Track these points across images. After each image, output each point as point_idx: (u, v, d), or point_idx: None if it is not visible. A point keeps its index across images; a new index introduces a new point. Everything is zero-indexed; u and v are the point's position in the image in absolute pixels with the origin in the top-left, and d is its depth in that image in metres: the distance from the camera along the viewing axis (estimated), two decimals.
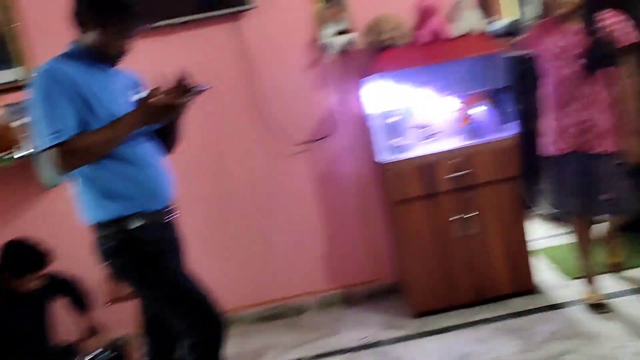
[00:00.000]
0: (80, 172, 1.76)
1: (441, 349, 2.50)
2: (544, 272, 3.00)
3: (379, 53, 2.76)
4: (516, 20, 4.18)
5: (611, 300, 2.61)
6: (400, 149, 2.81)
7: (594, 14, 2.41)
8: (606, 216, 2.63)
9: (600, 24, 2.38)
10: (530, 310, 2.68)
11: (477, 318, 2.70)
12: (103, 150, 1.72)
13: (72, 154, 1.67)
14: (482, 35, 2.76)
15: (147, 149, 1.86)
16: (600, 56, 2.37)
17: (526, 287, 2.82)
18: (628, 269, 2.89)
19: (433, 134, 2.89)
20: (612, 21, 2.39)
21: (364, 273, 3.16)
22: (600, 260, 2.96)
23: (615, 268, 2.89)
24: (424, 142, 2.87)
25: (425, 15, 2.70)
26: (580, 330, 2.41)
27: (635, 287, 2.71)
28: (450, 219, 2.72)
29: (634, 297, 2.62)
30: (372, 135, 2.96)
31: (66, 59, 1.77)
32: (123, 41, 1.78)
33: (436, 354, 2.46)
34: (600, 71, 2.40)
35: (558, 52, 2.46)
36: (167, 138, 1.98)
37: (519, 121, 2.79)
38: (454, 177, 2.68)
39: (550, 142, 2.57)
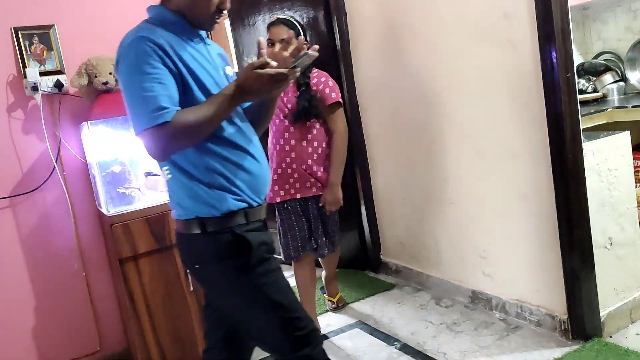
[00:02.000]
0: (175, 158, 1.49)
1: None
2: None
3: (97, 97, 2.52)
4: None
5: (334, 337, 2.78)
6: (125, 200, 2.57)
7: (307, 72, 2.63)
8: (325, 254, 2.81)
9: (312, 81, 2.62)
10: (264, 358, 2.67)
11: None
12: (205, 130, 1.43)
13: (172, 136, 1.38)
14: None
15: (247, 131, 1.59)
16: (304, 109, 2.56)
17: None
18: (349, 304, 3.15)
19: (160, 184, 2.74)
20: (322, 80, 2.64)
21: (84, 345, 2.77)
22: (322, 299, 3.18)
23: (337, 305, 3.10)
24: (151, 192, 2.69)
25: None
26: None
27: (355, 320, 2.94)
28: (182, 273, 2.58)
29: (354, 330, 2.83)
30: (94, 185, 2.68)
31: (152, 26, 1.47)
32: None
33: None
34: (304, 123, 2.61)
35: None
36: (257, 118, 1.69)
37: None
38: None
39: (273, 189, 2.69)
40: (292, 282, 3.61)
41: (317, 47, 1.51)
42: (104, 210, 2.54)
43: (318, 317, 2.93)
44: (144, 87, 1.38)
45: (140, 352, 2.53)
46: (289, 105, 2.62)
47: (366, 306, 3.10)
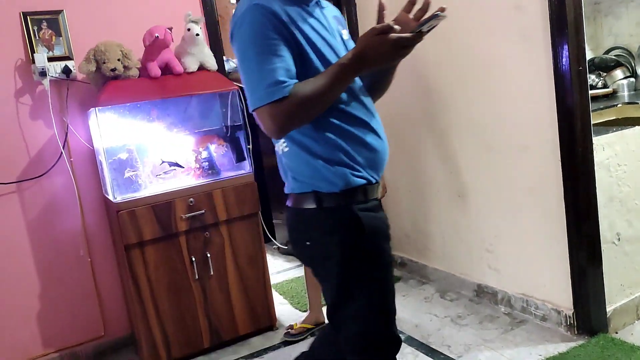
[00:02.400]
0: (293, 133, 1.39)
1: None
2: (277, 307, 3.05)
3: (105, 83, 2.52)
4: None
5: None
6: (132, 187, 2.58)
7: None
8: None
9: None
10: (269, 348, 2.68)
11: None
12: (324, 104, 1.32)
13: (290, 112, 1.28)
14: (216, 73, 2.75)
15: (369, 104, 1.48)
16: None
17: (265, 324, 2.82)
18: None
19: (167, 172, 2.74)
20: None
21: (88, 330, 2.78)
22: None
23: None
24: (157, 180, 2.69)
25: (155, 47, 2.56)
26: None
27: None
28: (188, 261, 2.58)
29: None
30: (100, 172, 2.68)
31: None
32: None
33: None
34: None
35: None
36: (376, 87, 1.58)
37: (253, 158, 2.83)
38: (190, 216, 2.56)
39: None
40: (297, 272, 3.62)
41: (445, 7, 1.31)
42: (110, 197, 2.54)
43: (323, 309, 2.92)
44: (259, 60, 1.28)
45: (145, 338, 2.54)
46: None
47: None
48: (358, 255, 1.40)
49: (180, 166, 2.70)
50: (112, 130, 2.57)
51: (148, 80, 2.58)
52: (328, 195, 1.40)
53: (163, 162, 2.68)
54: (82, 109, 2.70)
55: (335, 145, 1.38)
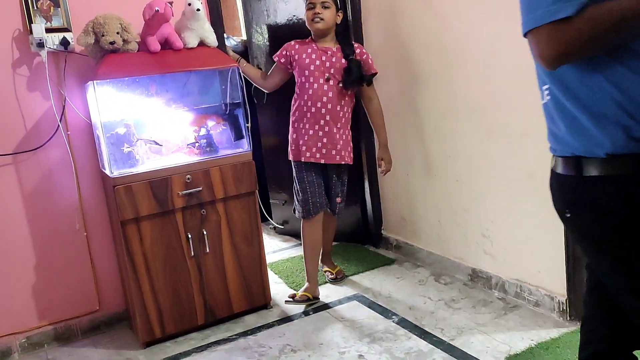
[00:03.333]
0: (562, 74, 1.13)
1: None
2: (272, 286, 3.07)
3: (103, 57, 2.49)
4: (244, 41, 4.32)
5: (333, 308, 2.80)
6: (129, 162, 2.56)
7: (349, 41, 2.84)
8: (337, 211, 2.95)
9: (356, 51, 2.76)
10: (263, 326, 2.70)
11: (210, 340, 2.60)
12: (625, 30, 1.01)
13: (575, 37, 1.01)
14: (216, 49, 2.72)
15: None
16: (355, 77, 2.71)
17: (260, 302, 2.83)
18: (348, 276, 3.15)
19: (165, 148, 2.72)
20: (364, 51, 2.82)
21: (83, 304, 2.78)
22: (322, 271, 3.19)
23: (336, 277, 3.11)
24: (155, 156, 2.68)
25: (155, 21, 2.53)
26: (310, 340, 2.50)
27: (354, 293, 2.95)
28: (184, 238, 2.58)
29: (352, 303, 2.84)
30: (98, 146, 2.66)
31: None
32: None
33: None
34: (351, 90, 2.77)
35: (314, 65, 2.72)
36: None
37: (251, 137, 2.81)
38: (187, 193, 2.55)
39: (298, 151, 2.80)
40: (293, 252, 3.63)
41: None
42: (107, 172, 2.52)
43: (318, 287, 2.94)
44: None
45: (139, 313, 2.54)
46: (332, 70, 2.72)
47: (365, 280, 3.11)
48: (632, 237, 1.13)
49: (158, 144, 2.67)
50: (110, 104, 2.55)
51: (147, 55, 2.55)
52: (590, 160, 1.13)
53: (138, 139, 2.65)
54: (80, 81, 2.67)
55: (611, 96, 1.08)
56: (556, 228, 2.36)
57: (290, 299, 2.81)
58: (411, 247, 3.34)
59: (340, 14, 2.79)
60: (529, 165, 2.44)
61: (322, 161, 2.77)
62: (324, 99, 2.72)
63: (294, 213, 2.89)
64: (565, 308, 2.39)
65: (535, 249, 2.50)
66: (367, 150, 3.48)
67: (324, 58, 2.73)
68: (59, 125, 2.63)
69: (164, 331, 2.60)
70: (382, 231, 3.59)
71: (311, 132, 2.75)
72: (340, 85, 2.72)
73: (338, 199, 2.90)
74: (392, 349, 2.34)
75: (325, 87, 2.73)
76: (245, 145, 2.77)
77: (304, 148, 2.77)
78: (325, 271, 3.15)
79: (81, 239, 2.76)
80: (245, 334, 2.64)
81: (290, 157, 2.85)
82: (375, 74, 2.84)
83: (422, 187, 3.16)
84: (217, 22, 2.96)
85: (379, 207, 3.57)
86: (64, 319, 2.75)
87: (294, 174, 2.84)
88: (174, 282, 2.60)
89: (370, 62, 2.81)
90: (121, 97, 2.61)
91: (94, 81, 2.43)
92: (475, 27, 2.56)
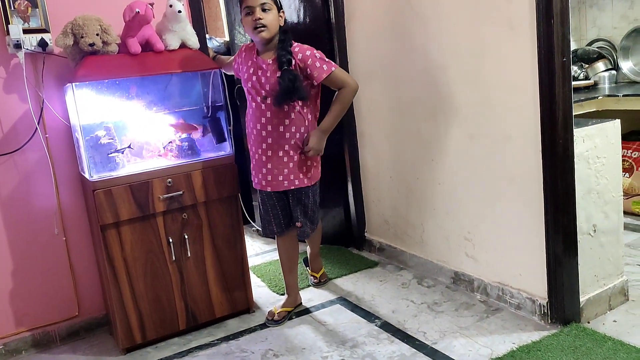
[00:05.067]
0: None
1: None
2: (255, 290, 3.05)
3: (82, 58, 2.45)
4: (226, 42, 4.30)
5: (316, 312, 2.79)
6: (109, 166, 2.52)
7: (287, 46, 2.42)
8: (308, 234, 2.79)
9: (297, 57, 2.41)
10: (245, 330, 2.68)
11: (192, 345, 2.58)
12: None
13: None
14: (197, 51, 2.69)
15: None
16: (288, 91, 2.36)
17: (242, 307, 2.81)
18: (332, 279, 3.15)
19: (146, 151, 2.69)
20: (308, 54, 2.42)
21: (62, 309, 2.74)
22: (305, 274, 3.18)
23: (319, 280, 3.10)
24: (135, 159, 2.64)
25: (135, 23, 2.49)
26: (292, 345, 2.49)
27: (337, 296, 2.94)
28: (165, 242, 2.55)
29: (335, 306, 2.83)
30: (77, 149, 2.62)
31: None
32: None
33: None
34: (289, 105, 2.43)
35: (251, 81, 2.50)
36: None
37: (233, 139, 2.79)
38: (168, 197, 2.52)
39: (252, 172, 2.65)
40: (275, 255, 3.62)
41: None
42: (86, 175, 2.48)
43: (300, 292, 2.92)
44: None
45: (119, 319, 2.51)
46: (267, 87, 2.44)
47: (348, 283, 3.11)
48: None
49: (130, 148, 2.61)
50: (89, 107, 2.51)
51: (127, 57, 2.51)
52: None
53: (130, 143, 2.61)
54: (58, 83, 2.63)
55: None
56: (537, 231, 2.38)
57: (270, 319, 2.71)
58: (394, 249, 3.34)
59: (282, 14, 2.46)
60: (511, 169, 2.46)
61: (269, 189, 2.57)
62: (262, 119, 2.48)
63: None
64: (546, 311, 2.40)
65: (517, 252, 2.52)
66: (350, 153, 3.47)
67: (260, 73, 2.46)
68: (36, 127, 2.59)
69: (144, 337, 2.57)
70: (365, 234, 3.59)
71: (256, 156, 2.56)
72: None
73: (298, 224, 2.66)
74: (375, 353, 2.34)
75: (263, 106, 2.46)
76: (227, 148, 2.75)
77: (253, 173, 2.62)
78: (311, 274, 3.14)
79: (60, 243, 2.71)
80: (227, 338, 2.61)
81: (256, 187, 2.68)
82: (329, 75, 2.41)
83: (405, 190, 3.16)
84: (199, 24, 2.93)
85: (362, 210, 3.57)
86: (42, 325, 2.70)
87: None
88: (155, 287, 2.57)
89: (317, 65, 2.40)
90: (101, 99, 2.57)
91: (73, 83, 2.39)
92: (459, 30, 2.57)
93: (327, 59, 2.47)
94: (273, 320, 2.70)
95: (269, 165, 2.54)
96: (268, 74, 2.45)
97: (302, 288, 3.04)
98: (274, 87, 2.41)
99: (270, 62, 2.44)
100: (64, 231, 2.71)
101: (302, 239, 2.77)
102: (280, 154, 2.50)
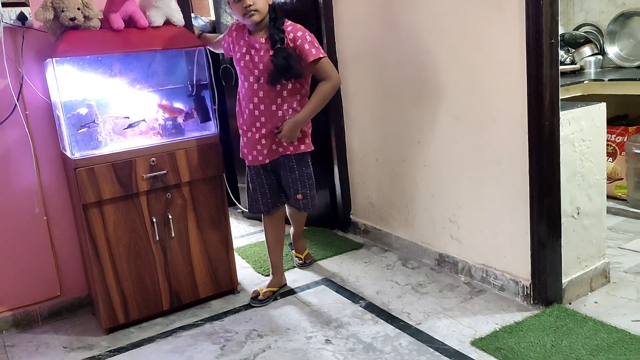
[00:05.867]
0: None
1: None
2: (239, 271, 3.03)
3: (63, 33, 2.39)
4: (212, 21, 4.23)
5: (300, 293, 2.79)
6: (91, 144, 2.48)
7: (280, 25, 2.41)
8: (295, 213, 2.79)
9: (288, 36, 2.40)
10: (229, 311, 2.67)
11: (175, 326, 2.56)
12: None
13: None
14: (182, 28, 2.64)
15: None
16: (281, 71, 2.36)
17: (227, 287, 2.80)
18: (317, 261, 3.14)
19: (129, 129, 2.64)
20: (299, 35, 2.40)
21: (43, 289, 2.70)
22: (290, 255, 3.17)
23: (304, 261, 3.10)
24: (119, 137, 2.60)
25: None
26: (277, 325, 2.49)
27: (322, 277, 2.94)
28: (148, 222, 2.52)
29: (319, 287, 2.83)
30: (58, 127, 2.57)
31: None
32: None
33: None
34: (281, 84, 2.42)
35: (244, 61, 2.48)
36: None
37: (218, 119, 2.76)
38: (152, 176, 2.49)
39: (243, 150, 2.63)
40: (260, 237, 3.60)
41: None
42: (68, 154, 2.44)
43: (285, 273, 2.92)
44: None
45: (102, 299, 2.48)
46: (260, 66, 2.42)
47: (333, 264, 3.11)
48: None
49: (95, 123, 2.52)
50: (71, 83, 2.45)
51: (110, 33, 2.46)
52: None
53: (113, 120, 2.56)
54: (38, 59, 2.57)
55: None
56: (522, 214, 2.39)
57: (254, 298, 2.70)
58: (379, 232, 3.34)
59: None
60: (497, 152, 2.46)
61: (267, 161, 2.56)
62: (255, 99, 2.47)
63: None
64: (529, 292, 2.42)
65: (501, 234, 2.53)
66: (336, 135, 3.46)
67: (252, 53, 2.44)
68: (16, 104, 2.53)
69: (127, 317, 2.55)
70: (351, 216, 3.59)
71: (249, 134, 2.55)
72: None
73: (299, 196, 2.63)
74: (359, 334, 2.35)
75: (255, 86, 2.45)
76: (212, 128, 2.71)
77: (245, 151, 2.61)
78: (295, 256, 3.13)
79: (41, 222, 2.67)
80: (211, 319, 2.60)
81: (241, 156, 2.67)
82: (316, 60, 2.40)
83: (391, 172, 3.15)
84: (184, 1, 2.87)
85: (347, 192, 3.56)
86: (23, 305, 2.67)
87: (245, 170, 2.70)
88: (138, 267, 2.54)
89: (306, 48, 2.39)
90: (82, 76, 2.52)
91: (53, 59, 2.33)
92: (447, 11, 2.55)
93: (317, 45, 2.44)
94: (257, 300, 2.69)
95: (264, 142, 2.53)
96: (261, 53, 2.42)
97: (287, 269, 3.03)
98: (267, 66, 2.40)
99: (263, 41, 2.42)
100: (45, 210, 2.67)
101: (307, 210, 2.71)
102: (275, 131, 2.50)
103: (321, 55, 2.42)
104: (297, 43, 2.40)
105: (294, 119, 2.48)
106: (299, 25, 2.46)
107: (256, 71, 2.44)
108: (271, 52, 2.38)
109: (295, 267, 3.10)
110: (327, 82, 2.45)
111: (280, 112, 2.48)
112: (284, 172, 2.61)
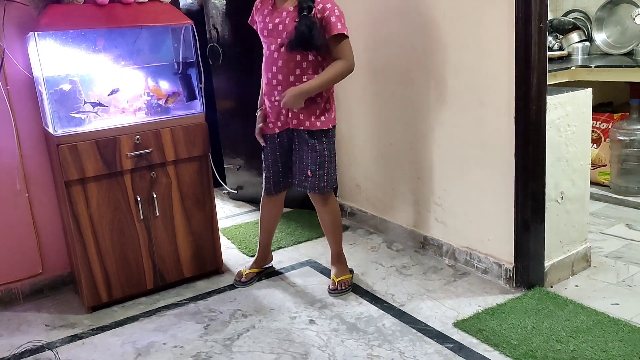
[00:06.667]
0: None
1: (119, 344, 2.26)
2: (225, 252, 3.03)
3: (46, 6, 2.34)
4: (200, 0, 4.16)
5: (285, 273, 2.79)
6: (74, 121, 2.44)
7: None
8: (317, 203, 2.62)
9: (317, 7, 2.31)
10: (213, 291, 2.67)
11: (159, 305, 2.56)
12: None
13: None
14: (169, 4, 2.60)
15: None
16: (302, 38, 2.28)
17: (212, 267, 2.79)
18: (301, 242, 3.14)
19: (114, 107, 2.60)
20: (328, 7, 2.32)
21: (25, 267, 2.67)
22: (281, 237, 3.17)
23: (336, 288, 2.63)
24: (103, 115, 2.56)
25: None
26: (261, 305, 2.49)
27: (307, 259, 2.95)
28: (132, 200, 2.50)
29: (304, 268, 2.84)
30: (40, 103, 2.52)
31: None
32: None
33: (114, 351, 2.22)
34: (303, 56, 2.35)
35: (267, 30, 2.39)
36: None
37: (204, 99, 2.72)
38: (136, 154, 2.46)
39: (270, 125, 2.51)
40: (247, 218, 3.60)
41: None
42: (50, 130, 2.40)
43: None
44: None
45: (85, 277, 2.47)
46: (284, 34, 2.33)
47: (318, 246, 3.11)
48: None
49: (103, 105, 2.55)
50: (54, 58, 2.41)
51: (94, 7, 2.41)
52: None
53: (85, 102, 2.51)
54: (20, 33, 2.51)
55: None
56: (506, 197, 2.40)
57: (238, 280, 2.70)
58: (364, 214, 3.35)
59: None
60: (483, 135, 2.46)
61: (276, 130, 2.48)
62: (274, 68, 2.39)
63: None
64: (511, 275, 2.45)
65: (486, 217, 2.55)
66: None
67: (277, 20, 2.36)
68: None
69: (111, 295, 2.54)
70: (337, 198, 3.58)
71: (269, 104, 2.48)
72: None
73: (308, 172, 2.48)
74: (343, 314, 2.36)
75: (276, 54, 2.37)
76: (198, 107, 2.68)
77: (270, 124, 2.51)
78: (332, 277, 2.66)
79: (23, 199, 2.63)
80: (195, 298, 2.60)
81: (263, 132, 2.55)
82: (339, 35, 2.32)
83: (378, 154, 3.15)
84: None
85: None
86: (5, 282, 2.64)
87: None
88: (122, 246, 2.52)
89: (332, 21, 2.30)
90: (65, 51, 2.47)
91: (35, 33, 2.28)
92: None
93: (344, 22, 2.36)
94: (240, 282, 2.69)
95: (283, 112, 2.44)
96: (287, 21, 2.34)
97: (274, 249, 3.02)
98: (291, 34, 2.31)
99: (291, 9, 2.35)
100: (26, 187, 2.63)
101: (315, 190, 2.52)
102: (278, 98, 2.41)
103: (345, 33, 2.35)
104: (325, 14, 2.31)
105: (300, 87, 2.36)
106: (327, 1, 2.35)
107: (279, 39, 2.36)
108: (297, 20, 2.30)
109: (281, 248, 3.09)
110: (340, 61, 2.36)
111: (297, 84, 2.37)
112: (295, 147, 2.50)
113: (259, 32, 2.48)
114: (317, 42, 2.30)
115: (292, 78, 2.38)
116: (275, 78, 2.41)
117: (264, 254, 2.79)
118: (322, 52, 2.37)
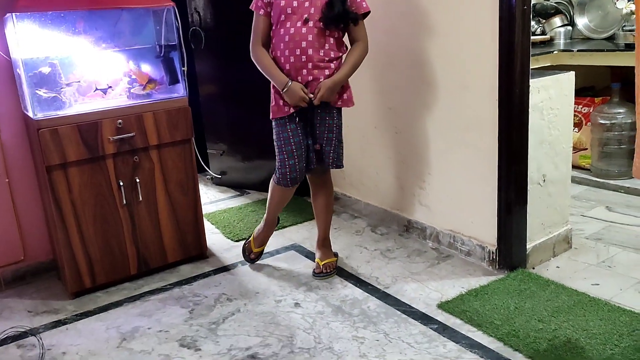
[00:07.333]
0: None
1: (103, 329, 2.25)
2: (209, 237, 3.01)
3: None
4: None
5: (270, 258, 2.79)
6: (56, 104, 2.40)
7: None
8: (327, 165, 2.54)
9: None
10: (198, 275, 2.66)
11: (143, 290, 2.55)
12: None
13: None
14: None
15: None
16: (338, 13, 2.27)
17: (196, 252, 2.78)
18: (286, 227, 3.15)
19: (96, 90, 2.56)
20: None
21: (6, 253, 2.64)
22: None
23: (321, 271, 2.62)
24: (84, 98, 2.52)
25: None
26: (246, 289, 2.49)
27: (292, 243, 2.95)
28: (115, 185, 2.48)
29: (289, 252, 2.84)
30: (19, 86, 2.48)
31: None
32: None
33: (98, 336, 2.21)
34: (333, 30, 2.33)
35: (293, 6, 2.31)
36: None
37: (187, 82, 2.69)
38: (119, 138, 2.43)
39: (277, 107, 2.42)
40: (230, 204, 3.57)
41: None
42: (30, 114, 2.36)
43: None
44: None
45: (67, 263, 2.44)
46: (311, 10, 2.28)
47: (303, 230, 3.12)
48: None
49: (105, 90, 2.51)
50: (32, 40, 2.36)
51: None
52: None
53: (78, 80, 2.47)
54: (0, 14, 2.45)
55: None
56: (489, 180, 2.42)
57: (248, 257, 2.74)
58: (349, 198, 3.36)
59: None
60: (467, 117, 2.47)
61: (310, 95, 2.34)
62: (303, 44, 2.30)
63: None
64: (494, 257, 2.48)
65: (469, 200, 2.57)
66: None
67: None
68: None
69: (94, 281, 2.52)
70: None
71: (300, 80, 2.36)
72: (321, 25, 2.28)
73: (317, 146, 2.45)
74: (328, 297, 2.37)
75: (304, 30, 2.29)
76: (180, 90, 2.66)
77: (281, 103, 2.39)
78: (316, 261, 2.65)
79: (3, 185, 2.59)
80: (179, 283, 2.59)
81: (271, 116, 2.44)
82: (368, 13, 2.36)
83: (362, 139, 3.15)
84: None
85: None
86: None
87: (274, 135, 2.46)
88: (105, 231, 2.50)
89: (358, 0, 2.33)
90: (45, 33, 2.42)
91: (13, 14, 2.23)
92: None
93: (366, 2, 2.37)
94: (250, 259, 2.73)
95: (308, 88, 2.35)
96: None
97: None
98: (318, 10, 2.28)
99: None
100: (6, 173, 2.59)
101: (335, 166, 2.51)
102: (321, 79, 2.34)
103: (369, 12, 2.36)
104: None
105: (332, 79, 2.34)
106: None
107: (306, 15, 2.30)
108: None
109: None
110: (361, 44, 2.39)
111: (327, 58, 2.34)
112: (317, 124, 2.44)
113: (273, 12, 2.36)
114: (352, 18, 2.32)
115: (321, 52, 2.33)
116: (304, 54, 2.32)
117: (271, 227, 2.73)
118: (346, 28, 2.38)
